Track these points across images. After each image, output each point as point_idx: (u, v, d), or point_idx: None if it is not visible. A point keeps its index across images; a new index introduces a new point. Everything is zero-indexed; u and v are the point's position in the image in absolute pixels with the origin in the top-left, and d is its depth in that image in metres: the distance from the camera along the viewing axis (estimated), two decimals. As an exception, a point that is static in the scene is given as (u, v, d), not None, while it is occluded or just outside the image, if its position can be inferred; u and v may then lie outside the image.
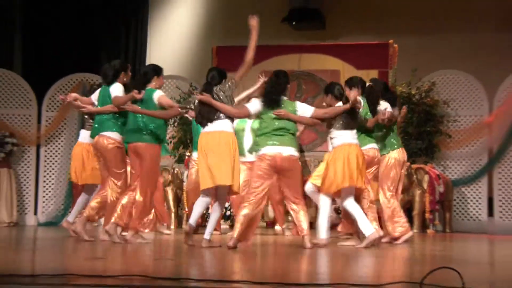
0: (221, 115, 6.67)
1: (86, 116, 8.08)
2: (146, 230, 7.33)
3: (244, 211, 6.55)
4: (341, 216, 8.11)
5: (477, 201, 11.41)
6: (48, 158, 12.02)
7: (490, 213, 11.28)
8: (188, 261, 5.66)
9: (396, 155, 7.69)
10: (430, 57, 12.10)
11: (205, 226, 7.14)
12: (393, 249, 6.84)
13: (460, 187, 11.44)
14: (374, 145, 7.45)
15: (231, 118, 6.78)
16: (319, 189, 7.13)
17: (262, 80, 7.51)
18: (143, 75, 7.30)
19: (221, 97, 6.72)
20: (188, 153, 10.60)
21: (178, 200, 11.04)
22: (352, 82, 7.55)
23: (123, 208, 7.03)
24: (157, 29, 13.75)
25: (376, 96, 7.47)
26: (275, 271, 4.83)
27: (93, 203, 7.68)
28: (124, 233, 7.22)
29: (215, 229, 7.52)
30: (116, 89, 7.23)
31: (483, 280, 4.18)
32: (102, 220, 8.01)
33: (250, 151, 8.17)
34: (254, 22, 6.97)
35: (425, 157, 11.28)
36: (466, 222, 11.37)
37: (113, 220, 7.03)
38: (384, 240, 7.44)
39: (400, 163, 7.73)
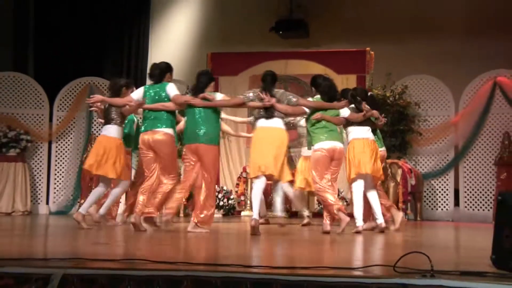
0: (276, 113, 6.74)
1: (114, 112, 7.66)
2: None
3: None
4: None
5: (444, 192, 11.46)
6: (58, 153, 12.00)
7: (456, 203, 11.33)
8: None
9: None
10: (403, 63, 12.12)
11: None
12: (370, 236, 6.85)
13: (430, 179, 11.49)
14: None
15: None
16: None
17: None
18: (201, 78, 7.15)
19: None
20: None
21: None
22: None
23: (177, 200, 6.98)
24: (158, 37, 13.72)
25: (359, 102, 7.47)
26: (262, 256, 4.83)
27: (174, 199, 7.08)
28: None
29: None
30: (174, 88, 7.01)
31: (450, 262, 4.19)
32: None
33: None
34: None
35: (399, 153, 11.31)
36: (435, 211, 11.42)
37: (168, 210, 6.94)
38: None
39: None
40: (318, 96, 7.19)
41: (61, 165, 11.97)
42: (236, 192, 11.66)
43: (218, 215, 10.60)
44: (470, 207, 11.23)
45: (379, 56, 11.97)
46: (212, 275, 3.30)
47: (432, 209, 11.45)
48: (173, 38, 13.71)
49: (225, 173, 12.29)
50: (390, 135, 11.22)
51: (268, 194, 9.32)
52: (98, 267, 3.50)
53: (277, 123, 6.76)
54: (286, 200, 8.37)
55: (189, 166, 6.93)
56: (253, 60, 12.37)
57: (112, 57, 13.33)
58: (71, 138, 12.03)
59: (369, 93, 8.07)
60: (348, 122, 7.27)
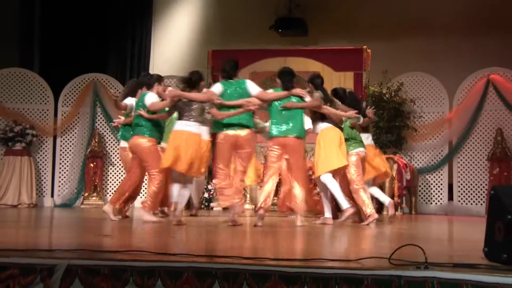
0: None
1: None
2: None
3: None
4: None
5: (439, 186, 11.46)
6: (63, 148, 11.99)
7: (450, 197, 11.34)
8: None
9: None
10: (398, 61, 12.10)
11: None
12: (365, 229, 6.85)
13: (425, 174, 11.49)
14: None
15: None
16: None
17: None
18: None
19: None
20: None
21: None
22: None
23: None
24: (160, 35, 13.70)
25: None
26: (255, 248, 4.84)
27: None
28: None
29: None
30: (255, 87, 6.96)
31: (443, 254, 4.20)
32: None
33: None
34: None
35: (394, 148, 11.31)
36: (429, 205, 11.42)
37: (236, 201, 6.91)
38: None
39: None
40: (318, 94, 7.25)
41: (65, 159, 11.96)
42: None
43: (218, 208, 10.61)
44: (464, 201, 11.24)
45: (376, 54, 11.96)
46: (212, 267, 3.31)
47: (426, 203, 11.45)
48: (175, 36, 13.68)
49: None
50: (386, 131, 11.24)
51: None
52: (101, 258, 3.51)
53: None
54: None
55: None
56: (253, 57, 12.34)
57: (116, 54, 13.31)
58: (75, 132, 12.02)
59: (347, 91, 8.06)
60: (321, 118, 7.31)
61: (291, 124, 6.84)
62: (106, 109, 11.94)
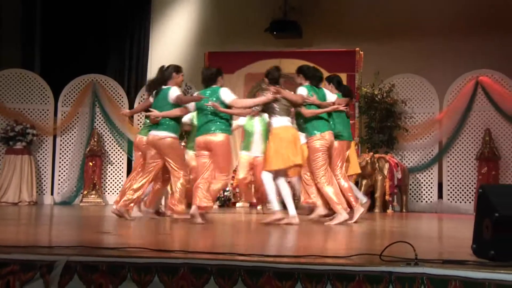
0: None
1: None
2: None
3: None
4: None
5: (429, 185, 11.49)
6: (63, 147, 11.97)
7: (440, 195, 11.36)
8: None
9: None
10: (390, 62, 12.11)
11: None
12: (357, 226, 6.86)
13: (415, 173, 11.51)
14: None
15: None
16: None
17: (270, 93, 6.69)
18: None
19: None
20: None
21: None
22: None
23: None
24: (158, 37, 13.69)
25: None
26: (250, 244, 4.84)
27: None
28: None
29: None
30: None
31: (433, 251, 4.21)
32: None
33: None
34: None
35: (386, 148, 11.33)
36: (420, 203, 11.44)
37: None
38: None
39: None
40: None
41: (65, 158, 11.94)
42: (231, 184, 11.65)
43: (214, 206, 10.58)
44: (453, 199, 11.26)
45: (368, 56, 11.98)
46: (208, 263, 3.31)
47: (417, 201, 11.47)
48: (172, 38, 13.67)
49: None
50: (378, 131, 11.26)
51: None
52: (99, 255, 3.50)
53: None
54: None
55: None
56: (249, 59, 12.36)
57: (115, 56, 13.30)
58: (74, 132, 12.00)
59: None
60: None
61: None
62: (105, 109, 11.94)
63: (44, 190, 11.85)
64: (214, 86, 6.88)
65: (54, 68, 12.45)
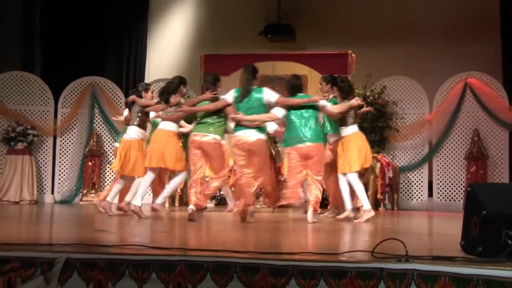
0: None
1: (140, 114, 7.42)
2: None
3: None
4: None
5: (419, 184, 11.50)
6: (63, 147, 11.95)
7: (430, 194, 11.37)
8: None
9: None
10: (381, 65, 12.14)
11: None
12: (350, 224, 6.86)
13: (406, 172, 11.53)
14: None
15: None
16: None
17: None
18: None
19: None
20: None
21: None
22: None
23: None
24: (155, 40, 13.67)
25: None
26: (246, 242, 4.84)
27: None
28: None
29: None
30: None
31: (423, 248, 4.22)
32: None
33: None
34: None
35: (378, 148, 11.33)
36: (410, 202, 11.46)
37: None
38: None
39: None
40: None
41: (65, 158, 11.92)
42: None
43: (210, 204, 10.58)
44: (443, 197, 11.28)
45: (360, 58, 12.01)
46: (204, 260, 3.31)
47: (408, 199, 11.49)
48: (169, 41, 13.66)
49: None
50: (370, 132, 11.23)
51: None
52: (98, 252, 3.50)
53: None
54: None
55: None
56: (243, 61, 12.19)
57: (113, 58, 13.27)
58: (74, 133, 11.98)
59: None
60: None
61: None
62: (104, 110, 11.92)
63: (45, 189, 11.83)
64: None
65: (54, 70, 12.42)
